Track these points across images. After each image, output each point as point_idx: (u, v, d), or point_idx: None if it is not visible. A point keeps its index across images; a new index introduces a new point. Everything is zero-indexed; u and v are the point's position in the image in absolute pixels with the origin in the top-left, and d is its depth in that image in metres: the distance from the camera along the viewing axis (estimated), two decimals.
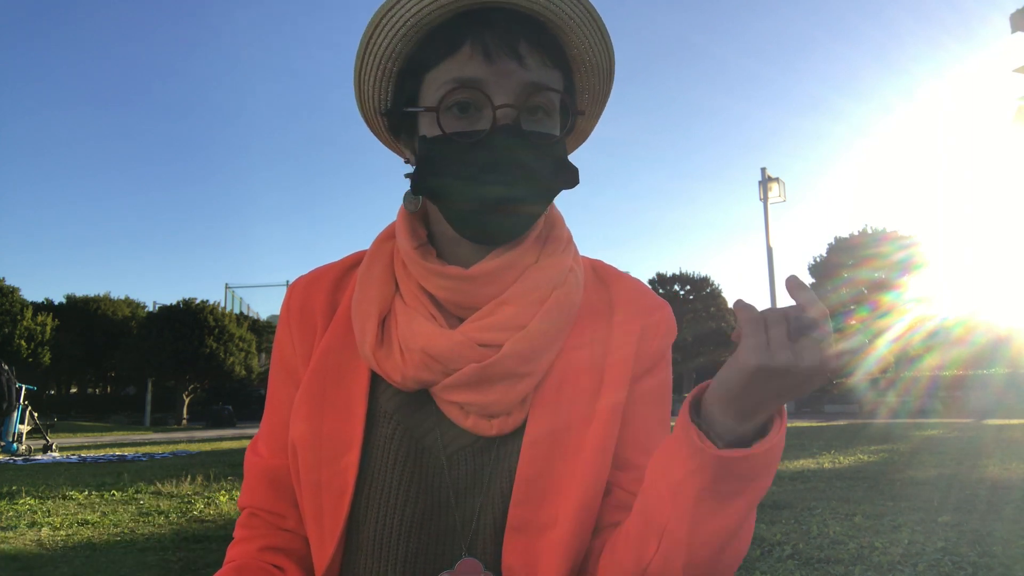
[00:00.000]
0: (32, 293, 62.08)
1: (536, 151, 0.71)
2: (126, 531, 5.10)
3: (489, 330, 0.72)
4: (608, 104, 0.84)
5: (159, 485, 7.14)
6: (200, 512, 5.78)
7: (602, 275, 0.85)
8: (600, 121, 0.86)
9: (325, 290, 0.83)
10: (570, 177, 0.76)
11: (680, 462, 0.62)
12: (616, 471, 0.74)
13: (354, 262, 0.86)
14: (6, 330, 29.33)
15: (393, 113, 0.79)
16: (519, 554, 0.71)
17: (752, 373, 0.56)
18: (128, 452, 12.74)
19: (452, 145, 0.71)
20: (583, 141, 0.88)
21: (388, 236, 0.84)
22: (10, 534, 4.98)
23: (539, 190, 0.74)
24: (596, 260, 0.87)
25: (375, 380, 0.78)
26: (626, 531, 0.69)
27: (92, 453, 12.61)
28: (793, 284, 0.58)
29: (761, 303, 0.59)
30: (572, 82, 0.78)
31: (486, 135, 0.70)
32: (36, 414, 13.98)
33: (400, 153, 0.83)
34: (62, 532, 5.07)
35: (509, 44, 0.70)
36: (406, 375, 0.73)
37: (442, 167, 0.72)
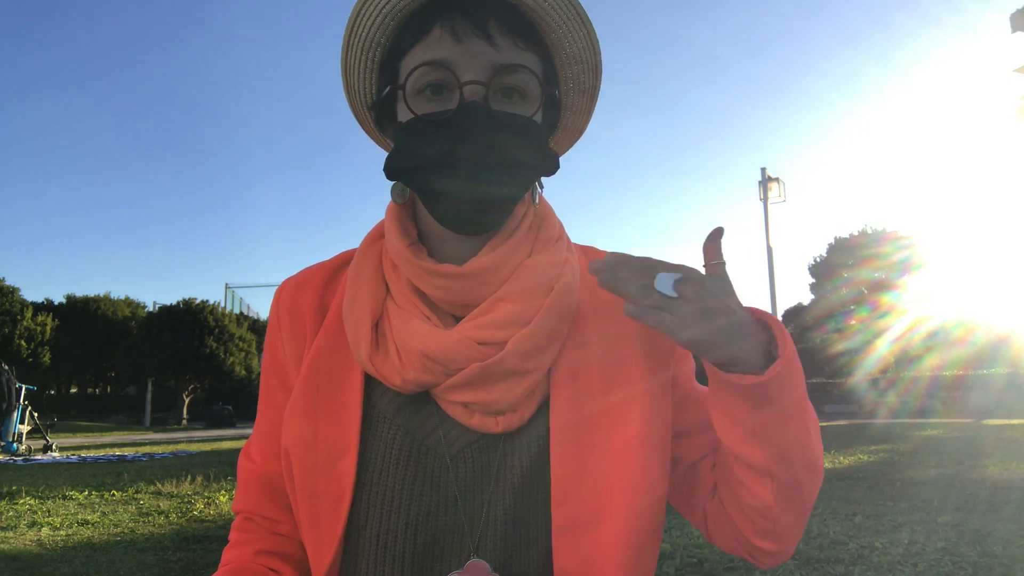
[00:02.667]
0: (32, 293, 62.17)
1: (508, 131, 0.69)
2: (126, 531, 5.10)
3: (488, 328, 0.71)
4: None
5: (159, 485, 7.15)
6: (200, 512, 5.78)
7: None
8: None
9: (314, 292, 0.82)
10: (548, 164, 0.74)
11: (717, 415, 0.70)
12: (687, 439, 0.78)
13: (343, 262, 0.84)
14: (6, 330, 29.37)
15: (377, 105, 0.78)
16: (572, 553, 0.69)
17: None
18: (128, 452, 12.75)
19: (420, 125, 0.70)
20: (576, 139, 0.86)
21: (377, 236, 0.82)
22: (10, 534, 4.98)
23: (512, 172, 0.70)
24: (588, 247, 0.85)
25: (370, 382, 0.76)
26: (733, 490, 0.73)
27: (92, 453, 12.61)
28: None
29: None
30: (554, 70, 0.77)
31: (453, 113, 0.69)
32: (36, 414, 14.00)
33: (387, 149, 0.82)
34: (62, 532, 5.07)
35: (478, 24, 0.69)
36: (406, 378, 0.72)
37: (412, 148, 0.71)
